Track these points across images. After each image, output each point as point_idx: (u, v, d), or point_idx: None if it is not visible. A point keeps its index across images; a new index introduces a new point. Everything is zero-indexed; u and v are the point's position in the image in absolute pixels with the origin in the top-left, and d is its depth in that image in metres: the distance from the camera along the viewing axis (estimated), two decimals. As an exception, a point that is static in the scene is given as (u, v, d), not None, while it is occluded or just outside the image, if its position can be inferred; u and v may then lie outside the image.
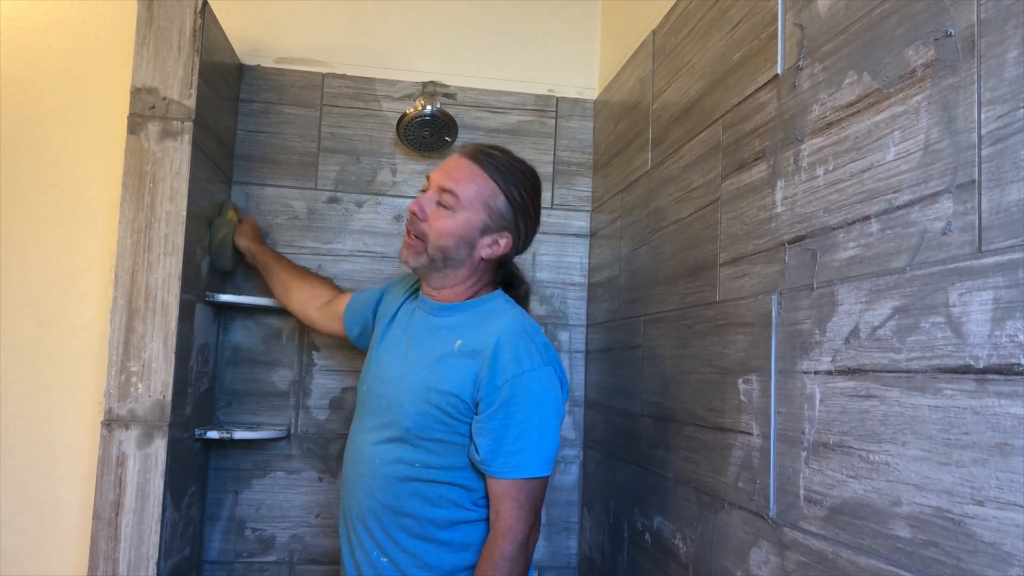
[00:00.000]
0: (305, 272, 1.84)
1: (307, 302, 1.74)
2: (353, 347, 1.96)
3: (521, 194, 1.39)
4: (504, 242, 1.38)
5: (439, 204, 1.35)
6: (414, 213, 1.36)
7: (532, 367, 1.27)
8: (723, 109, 1.30)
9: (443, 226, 1.34)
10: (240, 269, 1.92)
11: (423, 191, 1.40)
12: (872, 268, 0.88)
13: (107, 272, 1.78)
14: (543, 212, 1.58)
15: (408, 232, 1.38)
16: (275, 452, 1.91)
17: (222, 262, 1.78)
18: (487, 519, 1.33)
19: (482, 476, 1.32)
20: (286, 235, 1.96)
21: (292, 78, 1.99)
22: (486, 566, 1.25)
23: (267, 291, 1.93)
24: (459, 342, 1.33)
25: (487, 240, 1.37)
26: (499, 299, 1.41)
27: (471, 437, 1.31)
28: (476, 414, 1.30)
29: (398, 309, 1.51)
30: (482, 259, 1.38)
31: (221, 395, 1.90)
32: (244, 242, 1.81)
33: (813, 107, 1.03)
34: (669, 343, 1.47)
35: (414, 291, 1.54)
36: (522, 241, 1.43)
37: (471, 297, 1.40)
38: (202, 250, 1.71)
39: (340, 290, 1.79)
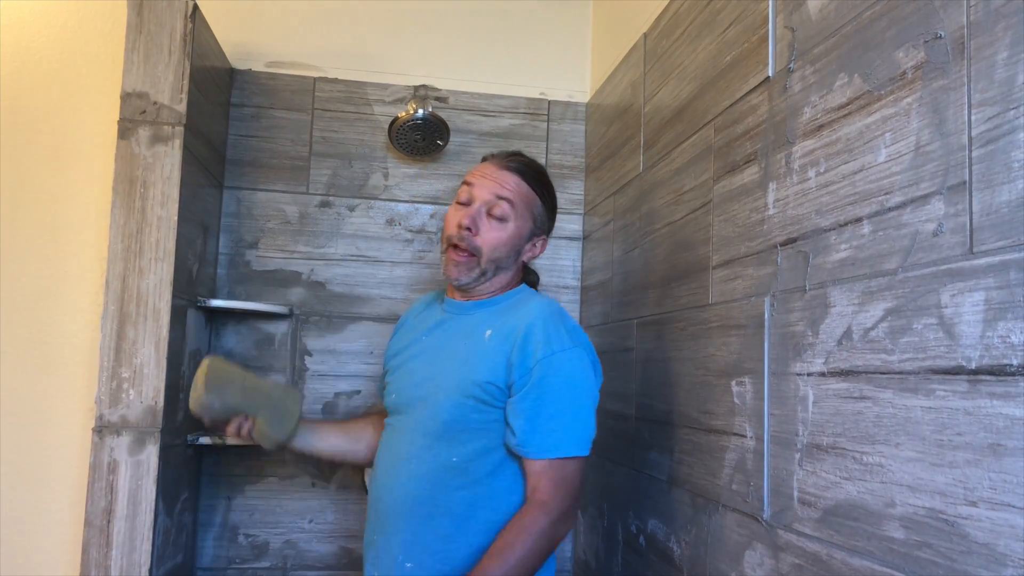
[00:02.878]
0: (349, 425, 1.60)
1: (374, 438, 1.55)
2: (345, 353, 1.96)
3: (550, 197, 1.46)
4: (541, 244, 1.45)
5: (489, 216, 1.37)
6: (467, 228, 1.35)
7: (562, 348, 1.28)
8: (715, 112, 1.30)
9: (497, 238, 1.37)
10: (233, 274, 1.92)
11: (461, 203, 1.39)
12: (864, 270, 0.88)
13: (98, 277, 1.77)
14: None
15: (455, 247, 1.36)
16: (268, 458, 1.90)
17: (284, 433, 1.44)
18: None
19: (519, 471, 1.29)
20: (278, 239, 1.95)
21: (283, 82, 1.98)
22: (513, 533, 1.21)
23: (260, 296, 1.93)
24: (489, 332, 1.34)
25: (529, 245, 1.43)
26: (525, 291, 1.44)
27: (506, 421, 1.30)
28: (509, 397, 1.30)
29: (420, 317, 1.51)
30: (522, 262, 1.44)
31: (213, 401, 1.89)
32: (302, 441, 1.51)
33: (804, 109, 1.03)
34: (662, 346, 1.47)
35: (435, 299, 1.54)
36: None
37: (500, 292, 1.42)
38: (193, 255, 1.70)
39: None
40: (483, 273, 1.37)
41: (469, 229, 1.35)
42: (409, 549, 1.30)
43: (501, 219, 1.37)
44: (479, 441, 1.31)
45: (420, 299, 1.61)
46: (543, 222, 1.45)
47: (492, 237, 1.36)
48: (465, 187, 1.40)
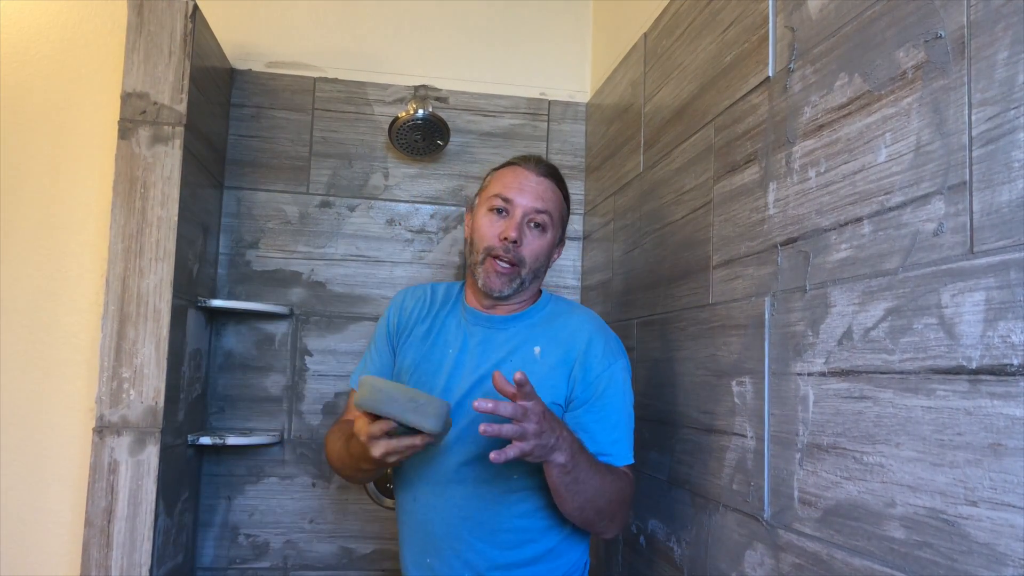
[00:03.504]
0: None
1: None
2: (345, 353, 1.96)
3: (570, 204, 1.46)
4: (560, 250, 1.44)
5: (532, 225, 1.34)
6: (513, 241, 1.31)
7: (616, 358, 1.32)
8: (715, 111, 1.30)
9: (540, 247, 1.35)
10: (233, 274, 1.92)
11: (495, 211, 1.34)
12: (865, 270, 0.88)
13: (98, 278, 1.77)
14: None
15: (497, 258, 1.32)
16: (268, 458, 1.90)
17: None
18: (572, 535, 1.34)
19: None
20: (278, 239, 1.95)
21: (284, 82, 1.98)
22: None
23: (260, 296, 1.93)
24: (538, 348, 1.33)
25: (554, 251, 1.42)
26: (550, 299, 1.43)
27: None
28: (568, 410, 1.30)
29: (432, 322, 1.42)
30: (545, 268, 1.41)
31: (214, 401, 1.89)
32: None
33: (804, 109, 1.03)
34: (662, 345, 1.47)
35: (441, 300, 1.45)
36: None
37: (531, 303, 1.40)
38: (194, 255, 1.70)
39: None
40: (523, 283, 1.34)
41: (515, 242, 1.31)
42: (475, 567, 1.29)
43: (542, 228, 1.35)
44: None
45: (411, 294, 1.47)
46: (564, 228, 1.44)
47: (535, 247, 1.34)
48: (498, 198, 1.34)
